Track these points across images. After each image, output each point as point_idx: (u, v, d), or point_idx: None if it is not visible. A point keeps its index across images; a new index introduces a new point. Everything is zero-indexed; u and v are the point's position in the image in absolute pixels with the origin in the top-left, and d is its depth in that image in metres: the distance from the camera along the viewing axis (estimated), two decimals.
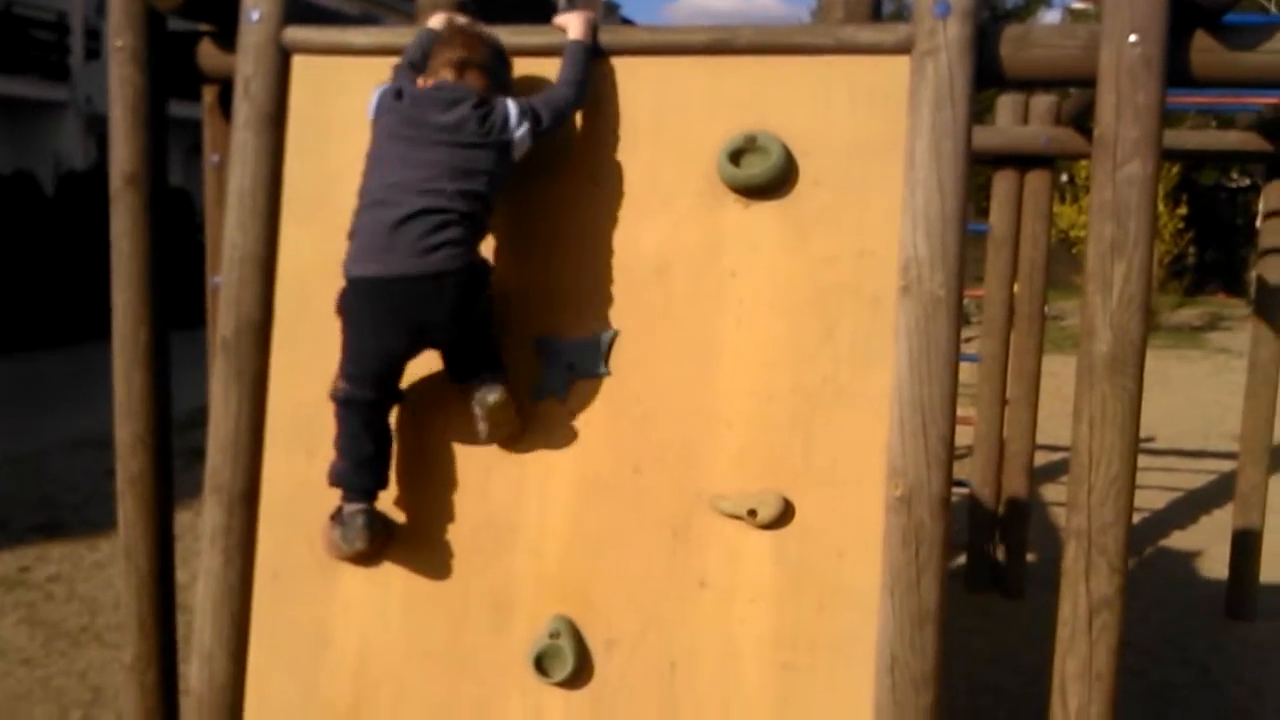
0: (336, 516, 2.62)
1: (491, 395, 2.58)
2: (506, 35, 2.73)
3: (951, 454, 2.49)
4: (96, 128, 18.49)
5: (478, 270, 2.59)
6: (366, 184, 2.61)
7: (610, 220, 2.71)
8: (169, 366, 3.26)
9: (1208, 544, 7.01)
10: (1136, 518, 5.95)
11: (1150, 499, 7.73)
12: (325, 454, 2.76)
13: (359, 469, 2.62)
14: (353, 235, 2.59)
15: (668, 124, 2.70)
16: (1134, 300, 2.47)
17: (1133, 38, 2.47)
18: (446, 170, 2.53)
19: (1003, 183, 5.76)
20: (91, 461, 8.46)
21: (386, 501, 2.72)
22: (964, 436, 5.93)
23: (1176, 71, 2.58)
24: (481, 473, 2.69)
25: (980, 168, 5.62)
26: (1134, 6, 2.48)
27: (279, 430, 2.84)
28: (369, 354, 2.58)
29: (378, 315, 2.55)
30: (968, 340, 10.45)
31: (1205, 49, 2.62)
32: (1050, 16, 28.12)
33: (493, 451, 2.69)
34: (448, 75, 2.61)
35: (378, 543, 2.64)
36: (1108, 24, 2.51)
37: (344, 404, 2.62)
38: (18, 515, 7.33)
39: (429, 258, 2.49)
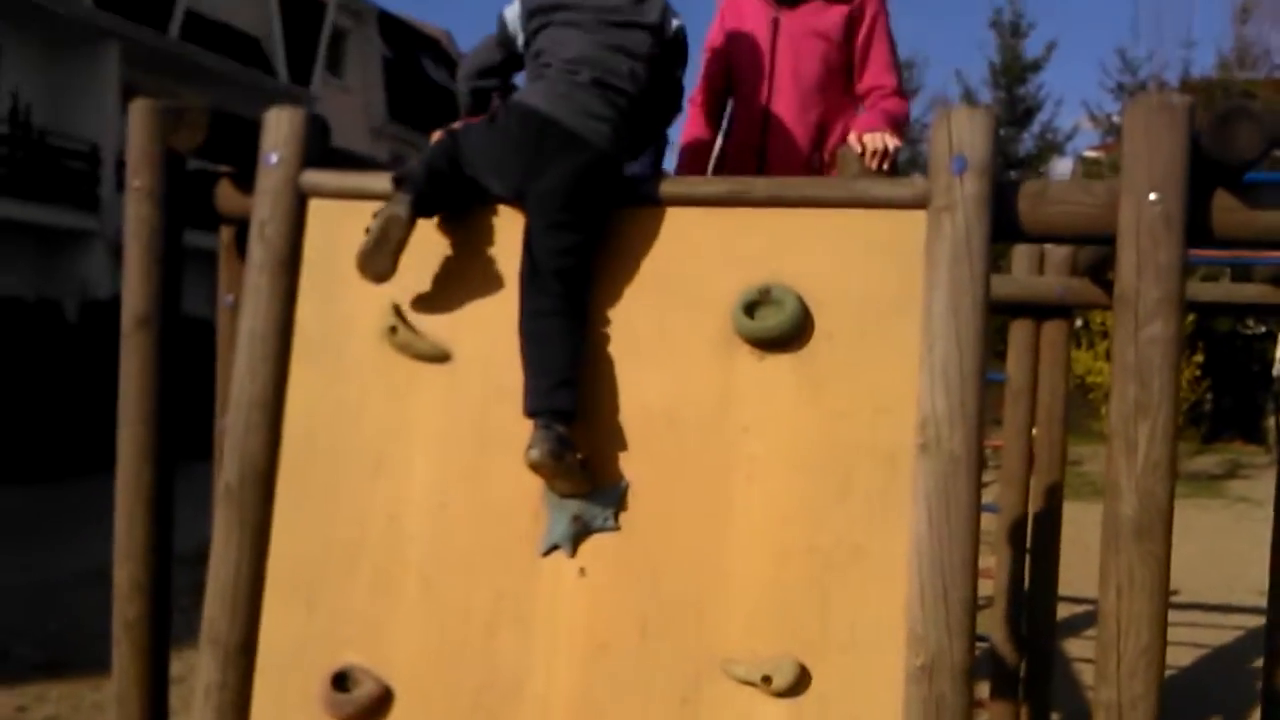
0: (335, 679, 2.53)
1: (532, 451, 2.52)
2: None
3: (974, 620, 2.39)
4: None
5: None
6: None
7: (623, 369, 2.67)
8: (172, 508, 3.19)
9: (1238, 704, 6.77)
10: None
11: (1176, 656, 7.49)
12: (326, 606, 2.69)
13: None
14: None
15: (683, 273, 2.68)
16: (1160, 464, 2.39)
17: (1153, 196, 2.44)
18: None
19: (1019, 332, 5.72)
20: (103, 596, 8.29)
21: (391, 661, 2.63)
22: (984, 588, 5.79)
23: (1197, 229, 2.54)
24: (485, 631, 2.60)
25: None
26: (1154, 164, 2.46)
27: (279, 580, 2.76)
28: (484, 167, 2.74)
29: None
30: (986, 484, 10.29)
31: (1227, 207, 2.58)
32: (1063, 165, 28.53)
33: (497, 610, 2.60)
34: None
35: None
36: (1127, 181, 2.48)
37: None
38: (20, 651, 7.16)
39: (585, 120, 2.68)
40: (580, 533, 2.61)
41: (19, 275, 17.86)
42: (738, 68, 3.46)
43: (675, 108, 3.02)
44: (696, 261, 2.67)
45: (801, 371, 2.57)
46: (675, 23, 2.86)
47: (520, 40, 2.86)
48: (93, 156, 19.20)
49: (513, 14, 2.88)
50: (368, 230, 2.69)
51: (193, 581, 4.43)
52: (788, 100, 3.32)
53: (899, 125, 3.25)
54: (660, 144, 3.24)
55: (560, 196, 2.64)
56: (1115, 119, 23.65)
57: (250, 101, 22.06)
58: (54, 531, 11.10)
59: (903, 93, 3.39)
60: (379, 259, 2.69)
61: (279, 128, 2.86)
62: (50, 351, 14.79)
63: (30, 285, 17.43)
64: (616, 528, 2.60)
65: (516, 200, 2.74)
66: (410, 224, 2.69)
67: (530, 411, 2.60)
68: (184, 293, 3.29)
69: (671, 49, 2.86)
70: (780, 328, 2.56)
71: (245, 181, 2.99)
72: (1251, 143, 2.43)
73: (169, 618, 3.20)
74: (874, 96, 3.35)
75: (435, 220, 2.80)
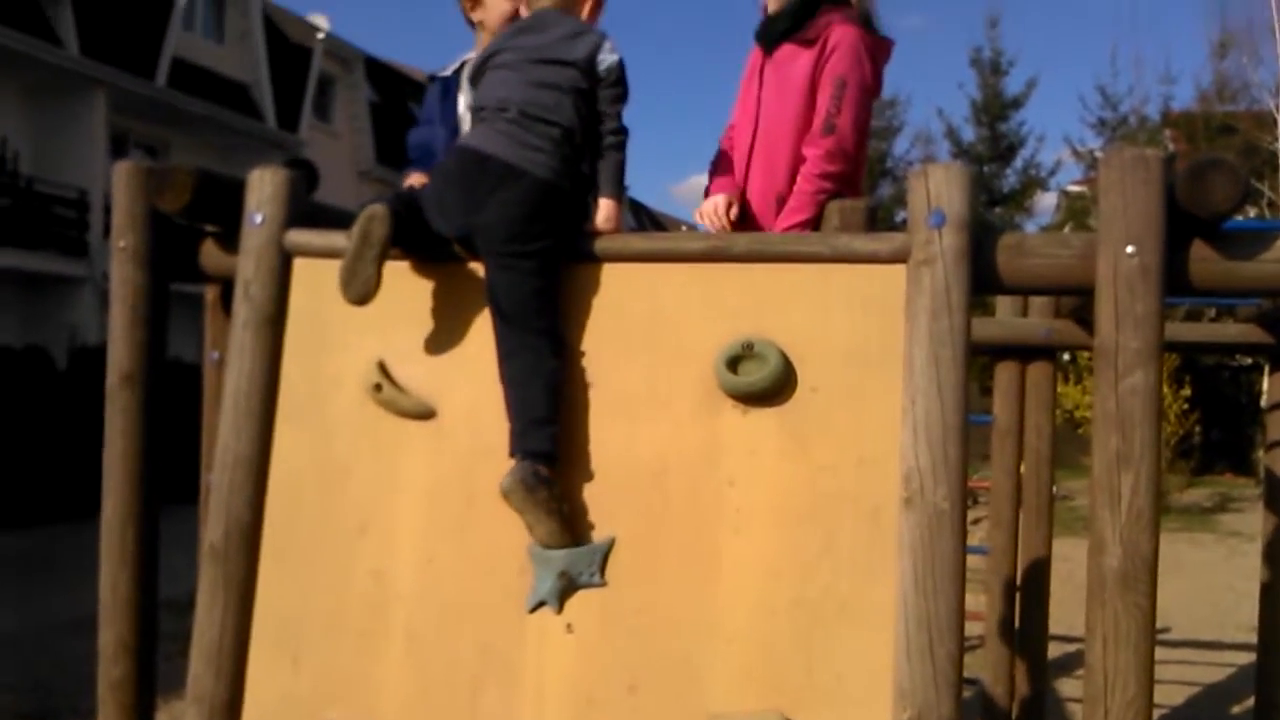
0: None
1: (504, 480, 2.56)
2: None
3: (960, 673, 2.39)
4: None
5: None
6: None
7: (608, 424, 2.68)
8: (157, 566, 3.18)
9: None
10: (1155, 714, 5.70)
11: (1168, 694, 7.47)
12: (311, 663, 2.68)
13: None
14: None
15: (665, 329, 2.69)
16: (1143, 514, 2.40)
17: (1130, 248, 2.47)
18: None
19: (1004, 373, 5.74)
20: (91, 644, 8.22)
21: (377, 717, 2.62)
22: (975, 629, 5.74)
23: (1174, 280, 2.56)
24: (471, 687, 2.59)
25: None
26: (1130, 217, 2.48)
27: (265, 637, 2.75)
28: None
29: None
30: (975, 521, 10.20)
31: (1203, 258, 2.59)
32: (1047, 199, 28.75)
33: (483, 666, 2.60)
34: None
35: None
36: (1104, 233, 2.50)
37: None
38: (6, 701, 7.09)
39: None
40: (567, 588, 2.60)
41: (7, 323, 17.81)
42: (736, 124, 3.41)
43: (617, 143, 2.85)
44: (679, 316, 2.69)
45: (785, 425, 2.58)
46: (609, 59, 2.80)
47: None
48: (81, 203, 19.20)
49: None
50: (347, 238, 2.65)
51: (181, 628, 4.41)
52: (761, 159, 3.25)
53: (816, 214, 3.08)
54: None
55: (504, 228, 2.66)
56: (1097, 153, 23.87)
57: (238, 147, 22.23)
58: (43, 577, 11.02)
59: (836, 155, 3.14)
60: (362, 267, 2.63)
61: (262, 188, 2.87)
62: (40, 398, 14.74)
63: (18, 333, 17.38)
64: (603, 583, 2.59)
65: (464, 240, 2.75)
66: (391, 225, 2.64)
67: (511, 453, 2.62)
68: (171, 338, 3.31)
69: (606, 85, 2.81)
70: (764, 382, 2.57)
71: (230, 241, 3.00)
72: (1226, 194, 2.46)
73: (154, 676, 3.18)
74: (799, 177, 3.19)
75: (418, 277, 2.82)
